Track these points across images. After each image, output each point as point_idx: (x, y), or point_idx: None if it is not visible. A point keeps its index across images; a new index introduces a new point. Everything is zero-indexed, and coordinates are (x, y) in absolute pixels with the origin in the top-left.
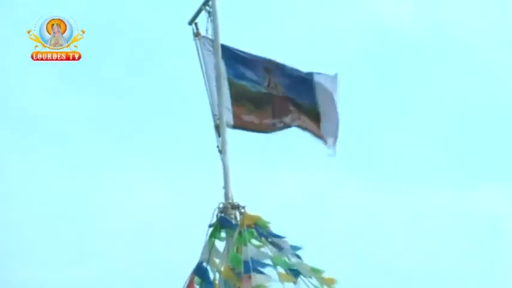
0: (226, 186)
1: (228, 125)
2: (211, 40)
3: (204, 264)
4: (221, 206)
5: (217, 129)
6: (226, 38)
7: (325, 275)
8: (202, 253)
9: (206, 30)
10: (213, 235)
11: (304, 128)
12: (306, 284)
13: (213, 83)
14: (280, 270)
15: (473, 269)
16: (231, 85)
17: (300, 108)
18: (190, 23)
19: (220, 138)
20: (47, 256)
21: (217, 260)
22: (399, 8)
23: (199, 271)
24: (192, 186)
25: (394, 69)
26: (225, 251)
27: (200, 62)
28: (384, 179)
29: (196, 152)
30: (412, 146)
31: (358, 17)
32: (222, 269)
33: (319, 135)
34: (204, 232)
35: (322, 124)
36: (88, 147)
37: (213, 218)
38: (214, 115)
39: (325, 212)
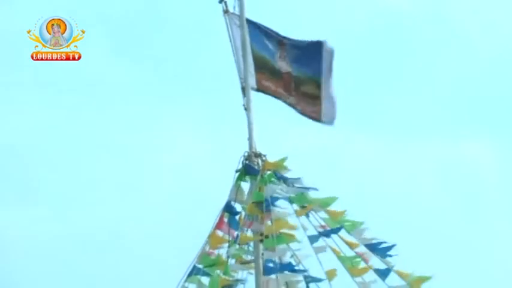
0: (250, 138)
1: (252, 88)
2: (238, 16)
3: (232, 202)
4: (246, 154)
5: (243, 90)
6: (250, 14)
7: (334, 208)
8: (230, 193)
9: (234, 7)
10: (239, 178)
11: (304, 114)
12: (315, 219)
13: (240, 52)
14: (296, 207)
15: (456, 207)
16: (254, 55)
17: (300, 85)
18: (220, 2)
19: (245, 98)
20: (106, 197)
21: (242, 198)
22: None
23: (228, 208)
24: (223, 138)
25: (394, 43)
26: (249, 191)
27: (229, 34)
28: (385, 134)
29: (226, 109)
30: (409, 107)
31: (368, 2)
32: (247, 205)
33: (317, 118)
34: (232, 176)
35: (323, 94)
36: (142, 106)
37: (239, 164)
38: (240, 79)
39: (336, 161)
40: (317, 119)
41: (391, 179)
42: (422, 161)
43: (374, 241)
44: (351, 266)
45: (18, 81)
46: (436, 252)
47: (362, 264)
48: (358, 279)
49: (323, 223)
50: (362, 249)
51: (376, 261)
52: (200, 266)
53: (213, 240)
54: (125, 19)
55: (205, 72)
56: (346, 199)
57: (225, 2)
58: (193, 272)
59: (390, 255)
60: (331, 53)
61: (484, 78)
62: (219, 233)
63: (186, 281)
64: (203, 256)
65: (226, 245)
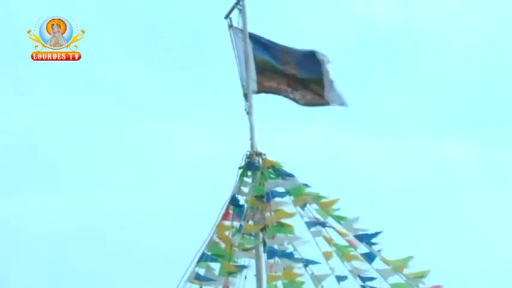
0: (251, 139)
1: (253, 92)
2: (242, 30)
3: (236, 195)
4: (248, 153)
5: (246, 96)
6: (252, 28)
7: (326, 200)
8: (234, 187)
9: (238, 23)
10: (242, 174)
11: (310, 104)
12: (309, 210)
13: (242, 62)
14: (293, 198)
15: (434, 197)
16: (256, 61)
17: (306, 85)
18: (225, 18)
19: (247, 103)
20: (121, 185)
21: (245, 191)
22: (381, 6)
23: (233, 201)
24: (227, 139)
25: (379, 51)
26: (251, 186)
27: (233, 46)
28: (375, 131)
29: (230, 113)
30: (396, 108)
31: (350, 13)
32: (249, 198)
33: (323, 103)
34: (236, 172)
35: (325, 90)
36: (158, 108)
37: (242, 162)
38: (243, 86)
39: (330, 157)
40: (325, 104)
41: (379, 174)
42: (405, 157)
43: (360, 232)
44: (343, 253)
45: (18, 81)
46: (419, 235)
47: (352, 251)
48: (349, 264)
49: (317, 215)
50: (351, 237)
51: (364, 248)
52: (209, 253)
53: (219, 229)
54: (132, 21)
55: (214, 80)
56: (338, 192)
57: (230, 18)
58: (203, 258)
59: (376, 243)
60: (325, 60)
61: (457, 81)
62: (225, 223)
63: (196, 266)
64: (212, 244)
65: (231, 234)
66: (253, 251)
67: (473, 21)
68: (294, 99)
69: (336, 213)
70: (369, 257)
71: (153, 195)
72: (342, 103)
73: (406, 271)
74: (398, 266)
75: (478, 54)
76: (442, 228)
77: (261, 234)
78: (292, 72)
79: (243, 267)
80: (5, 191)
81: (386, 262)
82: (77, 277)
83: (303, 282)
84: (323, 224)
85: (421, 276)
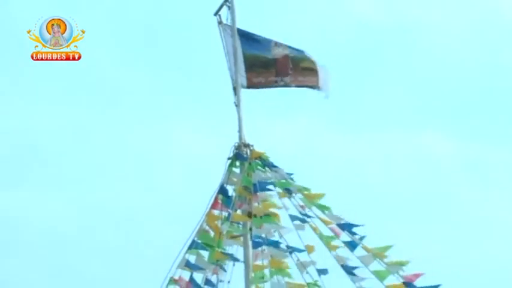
0: (240, 131)
1: (243, 86)
2: (230, 26)
3: (225, 185)
4: (236, 144)
5: (234, 89)
6: (243, 25)
7: (312, 192)
8: (223, 177)
9: (227, 19)
10: (231, 165)
11: (302, 86)
12: (296, 201)
13: (231, 57)
14: (279, 190)
15: (416, 190)
16: (245, 56)
17: (298, 62)
18: (215, 14)
19: (236, 96)
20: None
21: (234, 180)
22: (374, 8)
23: (222, 190)
24: (216, 130)
25: (370, 52)
26: (239, 176)
27: (222, 42)
28: (359, 127)
29: (220, 106)
30: (380, 102)
31: (344, 15)
32: (237, 188)
33: (315, 86)
34: (224, 162)
35: (319, 71)
36: (157, 107)
37: (230, 153)
38: (232, 79)
39: (314, 149)
40: (316, 86)
41: (362, 166)
42: (389, 150)
43: (343, 222)
44: (327, 241)
45: (18, 81)
46: (401, 227)
47: (336, 240)
48: (333, 252)
49: (302, 204)
50: (334, 226)
51: (347, 237)
52: (199, 241)
53: (209, 218)
54: (132, 21)
55: (205, 75)
56: (321, 183)
57: (219, 15)
58: (193, 245)
59: (356, 234)
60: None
61: (440, 76)
62: (214, 212)
63: (186, 252)
64: (202, 233)
65: (220, 222)
66: (241, 239)
67: (458, 19)
68: (284, 86)
69: (320, 203)
70: (351, 245)
71: (153, 193)
72: (327, 94)
73: (386, 260)
74: (378, 254)
75: (461, 51)
76: (423, 220)
77: (248, 223)
78: (284, 53)
79: (231, 255)
80: (5, 191)
81: (367, 250)
82: (77, 277)
83: (288, 270)
84: (307, 216)
85: (400, 265)
